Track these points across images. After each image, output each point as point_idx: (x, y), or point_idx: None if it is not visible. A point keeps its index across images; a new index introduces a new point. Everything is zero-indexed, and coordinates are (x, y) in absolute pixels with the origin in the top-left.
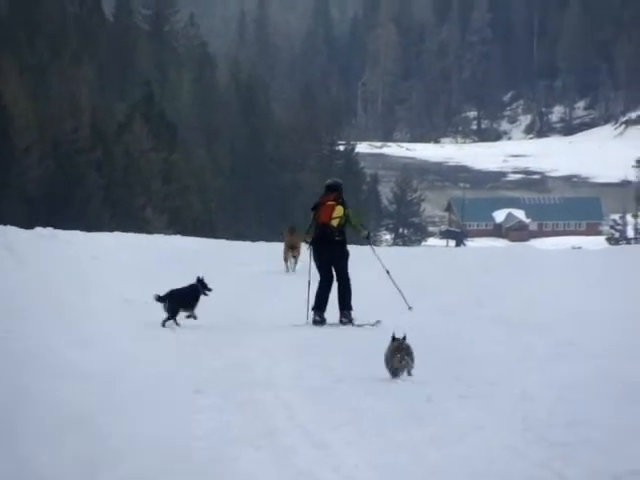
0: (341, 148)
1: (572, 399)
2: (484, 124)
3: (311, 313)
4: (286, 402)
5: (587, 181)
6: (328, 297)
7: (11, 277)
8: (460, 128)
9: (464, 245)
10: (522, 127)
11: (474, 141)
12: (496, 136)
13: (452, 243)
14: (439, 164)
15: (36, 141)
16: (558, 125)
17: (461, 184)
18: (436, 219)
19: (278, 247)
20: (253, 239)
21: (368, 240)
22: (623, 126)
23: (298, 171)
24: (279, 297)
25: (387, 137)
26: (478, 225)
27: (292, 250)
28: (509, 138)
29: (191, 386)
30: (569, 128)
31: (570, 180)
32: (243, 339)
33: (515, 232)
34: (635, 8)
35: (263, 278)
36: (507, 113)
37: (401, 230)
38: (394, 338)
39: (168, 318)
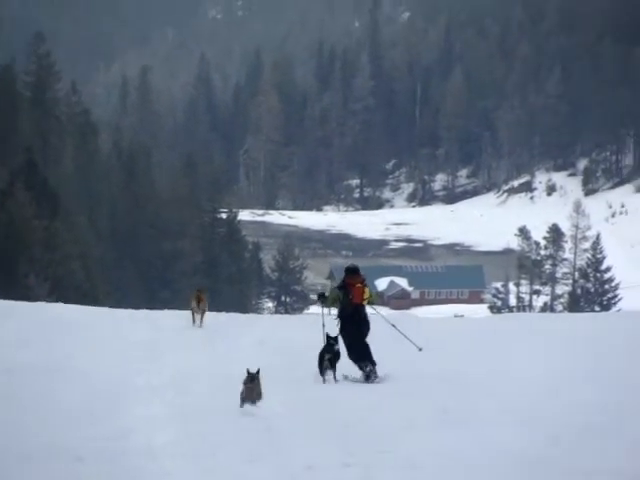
0: (223, 216)
1: (455, 468)
2: (367, 192)
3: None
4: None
5: (470, 249)
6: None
7: None
8: (342, 196)
9: None
10: (405, 195)
11: (356, 209)
12: (379, 204)
13: (334, 311)
14: (321, 232)
15: None
16: (441, 193)
17: (343, 252)
18: (318, 287)
19: (159, 314)
20: (135, 306)
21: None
22: (505, 194)
23: (179, 239)
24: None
25: (269, 205)
26: None
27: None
28: (392, 206)
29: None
30: (452, 196)
31: (453, 248)
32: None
33: (397, 300)
34: (516, 77)
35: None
36: (390, 181)
37: (283, 298)
38: (249, 372)
39: None
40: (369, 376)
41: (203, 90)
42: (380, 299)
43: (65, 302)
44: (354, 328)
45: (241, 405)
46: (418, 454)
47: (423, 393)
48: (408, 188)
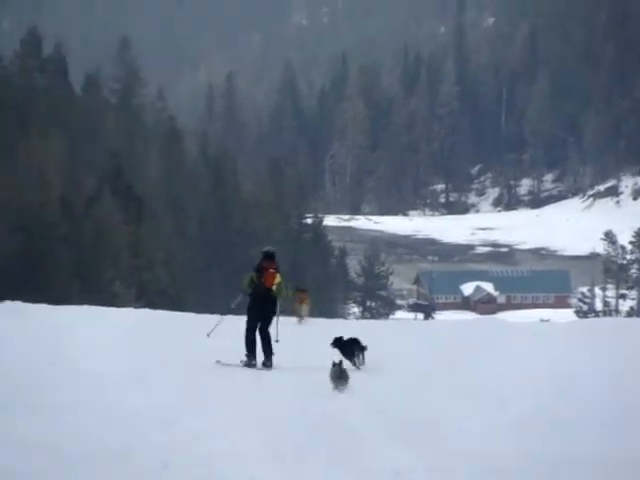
0: (309, 221)
1: (540, 469)
2: (452, 197)
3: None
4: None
5: (555, 254)
6: (255, 341)
7: None
8: (428, 200)
9: (432, 318)
10: (490, 200)
11: (442, 214)
12: (464, 209)
13: (420, 316)
14: (407, 237)
15: (4, 215)
16: (526, 198)
17: (429, 257)
18: (404, 292)
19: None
20: (221, 312)
21: (289, 293)
22: (591, 199)
23: (265, 244)
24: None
25: (355, 210)
26: (446, 298)
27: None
28: (477, 211)
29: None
30: (537, 201)
31: (538, 253)
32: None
33: (483, 305)
34: (602, 81)
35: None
36: (475, 186)
37: (369, 303)
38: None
39: None
40: (247, 364)
41: (289, 96)
42: (466, 304)
43: (151, 308)
44: (257, 310)
45: (334, 387)
46: (500, 456)
47: (502, 400)
48: (494, 193)
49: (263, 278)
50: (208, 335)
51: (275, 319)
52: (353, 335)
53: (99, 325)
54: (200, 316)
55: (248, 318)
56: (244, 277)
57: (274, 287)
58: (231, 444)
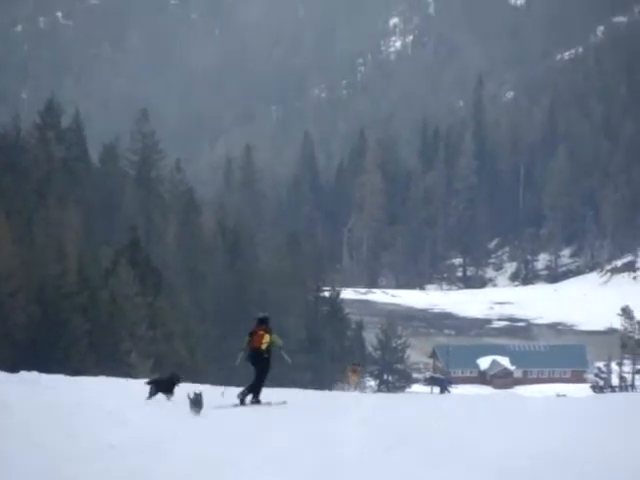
0: (326, 294)
1: None
2: (469, 271)
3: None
4: None
5: (572, 329)
6: (261, 388)
7: None
8: (445, 274)
9: (448, 392)
10: (507, 274)
11: (459, 288)
12: (481, 283)
13: (436, 390)
14: (424, 311)
15: (22, 286)
16: (543, 272)
17: (446, 331)
18: (420, 365)
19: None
20: (239, 384)
21: (283, 351)
22: (609, 274)
23: (283, 316)
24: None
25: (372, 283)
26: (462, 372)
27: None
28: (494, 285)
29: None
30: (554, 275)
31: (555, 327)
32: None
33: (500, 379)
34: (621, 156)
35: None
36: (492, 260)
37: (385, 376)
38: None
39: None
40: (241, 401)
41: (307, 169)
42: (482, 378)
43: None
44: (254, 365)
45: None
46: None
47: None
48: (511, 267)
49: (253, 339)
50: (222, 394)
51: (265, 371)
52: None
53: (116, 396)
54: (216, 387)
55: (254, 372)
56: (243, 339)
57: (263, 346)
58: None
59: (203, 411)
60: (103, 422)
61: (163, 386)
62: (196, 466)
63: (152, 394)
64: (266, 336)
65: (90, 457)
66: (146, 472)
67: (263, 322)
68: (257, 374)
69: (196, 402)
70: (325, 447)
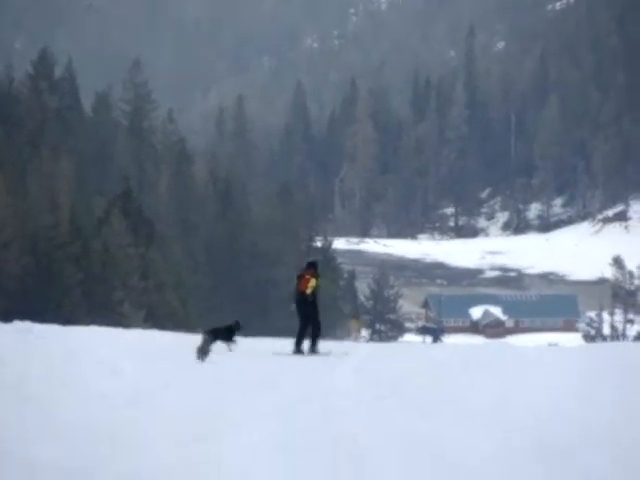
0: (318, 244)
1: None
2: (461, 220)
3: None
4: None
5: (564, 278)
6: (304, 336)
7: None
8: (437, 224)
9: (440, 341)
10: (499, 224)
11: (451, 237)
12: (473, 232)
13: (429, 339)
14: (416, 260)
15: (15, 236)
16: (535, 222)
17: (438, 281)
18: (413, 315)
19: (255, 341)
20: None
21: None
22: (600, 224)
23: (275, 267)
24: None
25: (365, 233)
26: (455, 322)
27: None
28: (486, 235)
29: None
30: (546, 225)
31: (547, 277)
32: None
33: (492, 329)
34: (611, 106)
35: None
36: (484, 210)
37: (378, 326)
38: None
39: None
40: (296, 352)
41: (299, 119)
42: (474, 327)
43: (160, 329)
44: (298, 309)
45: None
46: None
47: (512, 427)
48: (503, 217)
49: (300, 283)
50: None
51: (314, 316)
52: None
53: (109, 346)
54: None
55: (298, 317)
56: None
57: (308, 290)
58: (242, 469)
59: (210, 358)
60: (95, 371)
61: (223, 335)
62: (189, 417)
63: (208, 344)
64: (312, 280)
65: (83, 407)
66: (139, 422)
67: (311, 266)
68: (310, 320)
69: (203, 349)
70: (319, 398)
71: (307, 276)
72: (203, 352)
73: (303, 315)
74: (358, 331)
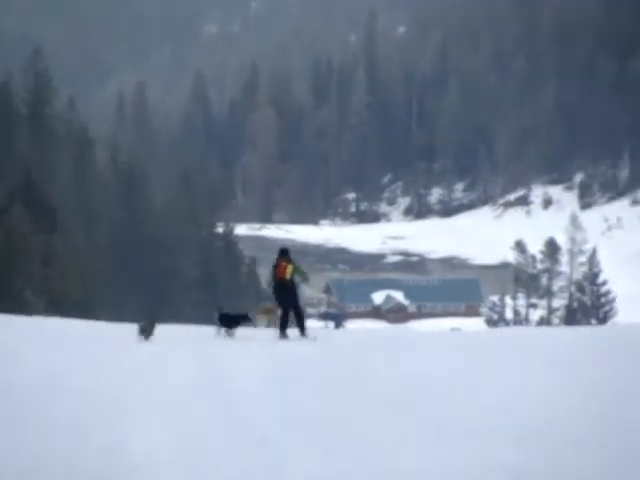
0: (220, 230)
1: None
2: (363, 206)
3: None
4: None
5: (466, 263)
6: (288, 322)
7: None
8: (339, 210)
9: (343, 327)
10: (401, 209)
11: (353, 223)
12: (375, 218)
13: (331, 325)
14: (318, 246)
15: None
16: (437, 207)
17: (340, 266)
18: (314, 301)
19: (157, 329)
20: (133, 321)
21: (306, 280)
22: (501, 208)
23: (177, 253)
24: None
25: (266, 219)
26: (357, 307)
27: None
28: (388, 220)
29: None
30: (448, 210)
31: (449, 262)
32: None
33: (394, 314)
34: (512, 91)
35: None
36: (386, 195)
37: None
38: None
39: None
40: (282, 337)
41: (199, 105)
42: (377, 312)
43: (62, 317)
44: (279, 296)
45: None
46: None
47: (416, 408)
48: (404, 202)
49: (277, 271)
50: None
51: (299, 297)
52: None
53: (11, 333)
54: (112, 325)
55: (278, 303)
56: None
57: (287, 275)
58: (146, 456)
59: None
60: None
61: (233, 322)
62: (90, 404)
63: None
64: (289, 266)
65: None
66: (44, 407)
67: (284, 253)
68: (290, 306)
69: (145, 329)
70: (223, 383)
71: (283, 263)
72: (146, 332)
73: (283, 302)
74: (268, 325)
